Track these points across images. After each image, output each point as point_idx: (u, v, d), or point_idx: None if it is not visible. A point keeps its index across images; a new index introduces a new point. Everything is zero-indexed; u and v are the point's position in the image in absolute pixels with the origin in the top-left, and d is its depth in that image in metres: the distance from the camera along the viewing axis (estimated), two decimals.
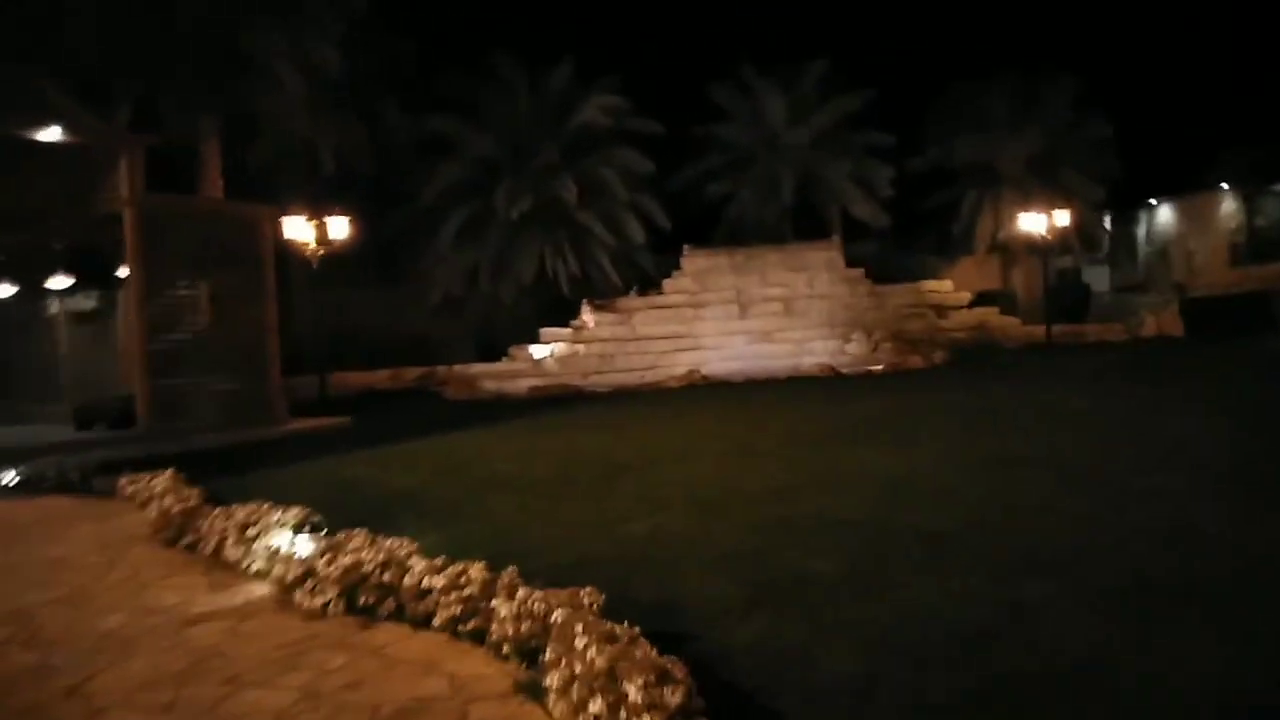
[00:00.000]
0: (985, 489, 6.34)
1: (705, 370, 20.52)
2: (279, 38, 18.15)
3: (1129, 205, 28.27)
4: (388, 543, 4.98)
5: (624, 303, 22.82)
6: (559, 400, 17.07)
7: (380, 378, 20.99)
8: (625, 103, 23.31)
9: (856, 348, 21.86)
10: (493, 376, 20.98)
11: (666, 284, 23.09)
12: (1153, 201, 28.84)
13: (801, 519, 5.80)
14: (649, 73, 27.56)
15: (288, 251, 16.74)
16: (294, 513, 5.90)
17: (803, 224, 25.70)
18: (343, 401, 17.12)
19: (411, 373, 21.27)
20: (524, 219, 22.00)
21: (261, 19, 17.89)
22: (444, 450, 10.78)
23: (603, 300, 22.77)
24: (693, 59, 30.40)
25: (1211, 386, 12.13)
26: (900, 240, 27.64)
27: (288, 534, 5.56)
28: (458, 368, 21.30)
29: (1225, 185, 26.49)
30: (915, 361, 18.78)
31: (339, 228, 16.41)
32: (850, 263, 23.93)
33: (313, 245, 16.21)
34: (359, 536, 5.14)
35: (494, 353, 22.01)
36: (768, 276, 23.12)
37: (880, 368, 19.93)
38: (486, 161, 22.79)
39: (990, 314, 24.47)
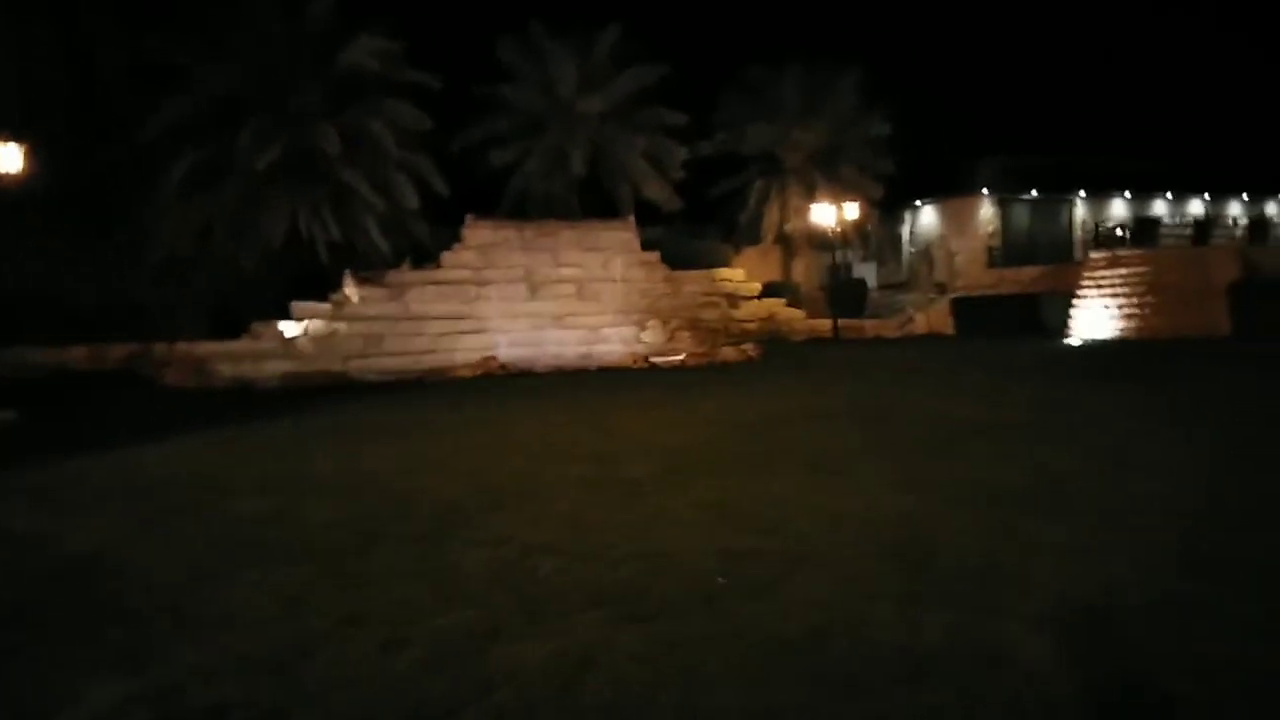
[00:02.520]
0: (1023, 555, 4.58)
1: (495, 356, 18.19)
2: None
3: (895, 205, 29.04)
4: None
5: (395, 276, 19.72)
6: (324, 392, 14.01)
7: (75, 355, 16.39)
8: (399, 48, 20.09)
9: (652, 336, 20.43)
10: (230, 358, 17.27)
11: (446, 257, 20.25)
12: (917, 203, 29.90)
13: (809, 641, 3.43)
14: (427, 18, 24.52)
15: None
16: None
17: (591, 201, 23.78)
18: (12, 389, 12.93)
19: (119, 350, 16.78)
20: (273, 170, 18.27)
21: None
22: (156, 473, 7.42)
23: (370, 272, 19.53)
24: (476, 8, 27.52)
25: (1064, 387, 11.45)
26: (685, 226, 26.51)
27: None
28: (183, 345, 17.22)
29: (985, 191, 27.84)
30: (728, 354, 17.51)
31: (8, 158, 12.30)
32: (643, 246, 22.38)
33: None
34: None
35: (232, 329, 18.15)
36: (560, 256, 21.00)
37: (681, 358, 18.59)
38: (228, 99, 18.71)
39: (778, 305, 24.07)
